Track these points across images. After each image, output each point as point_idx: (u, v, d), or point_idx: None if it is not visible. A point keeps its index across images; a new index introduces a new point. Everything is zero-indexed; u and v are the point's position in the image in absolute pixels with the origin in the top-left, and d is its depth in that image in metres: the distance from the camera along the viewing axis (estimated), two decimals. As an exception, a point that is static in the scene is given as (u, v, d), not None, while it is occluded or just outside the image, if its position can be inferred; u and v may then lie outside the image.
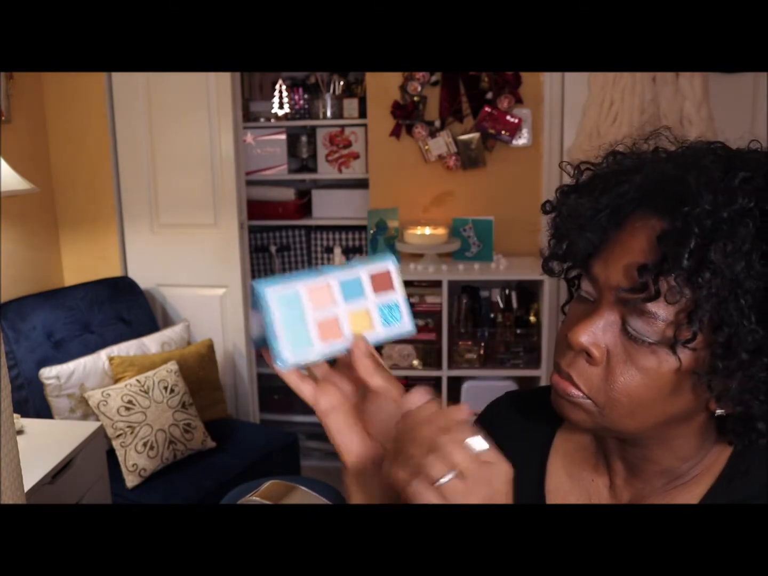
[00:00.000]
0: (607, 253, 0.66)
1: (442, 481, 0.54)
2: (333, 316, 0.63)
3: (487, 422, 0.86)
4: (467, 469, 0.54)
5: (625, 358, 0.64)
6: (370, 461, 0.63)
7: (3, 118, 2.58)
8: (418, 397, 0.61)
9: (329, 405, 0.64)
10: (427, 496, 0.54)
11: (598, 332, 0.65)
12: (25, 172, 2.41)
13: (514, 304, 2.94)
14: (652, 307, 0.61)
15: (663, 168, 0.66)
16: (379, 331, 0.65)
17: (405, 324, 0.66)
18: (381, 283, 0.65)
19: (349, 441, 0.64)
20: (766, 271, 0.58)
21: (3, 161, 2.25)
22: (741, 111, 2.80)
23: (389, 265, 0.66)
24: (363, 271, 0.65)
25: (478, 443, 0.56)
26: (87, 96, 2.94)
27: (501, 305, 2.96)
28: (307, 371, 0.66)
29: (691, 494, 0.70)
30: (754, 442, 0.65)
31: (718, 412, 0.65)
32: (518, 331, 2.89)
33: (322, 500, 0.59)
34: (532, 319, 2.91)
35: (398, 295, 0.66)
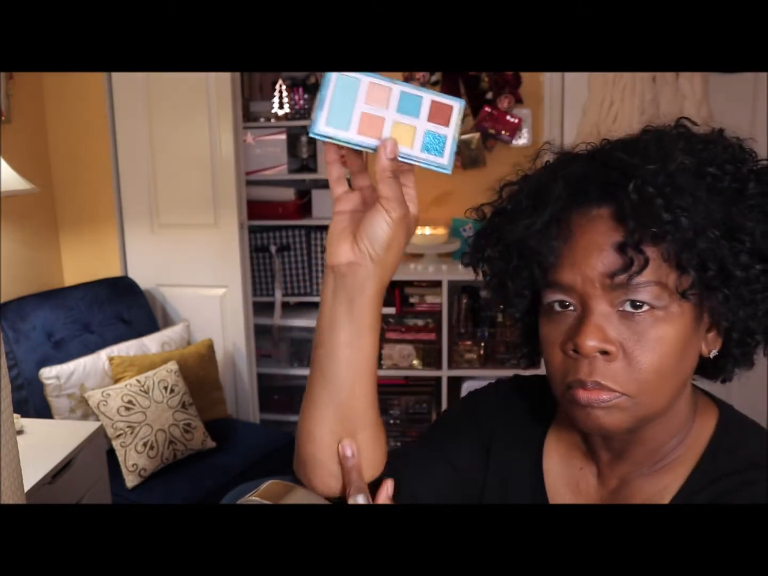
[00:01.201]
0: (569, 258, 0.68)
1: None
2: (380, 115, 0.65)
3: (489, 398, 0.89)
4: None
5: (636, 338, 0.66)
6: (347, 266, 0.69)
7: (3, 118, 2.57)
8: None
9: (345, 208, 0.71)
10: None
11: (601, 328, 0.66)
12: (25, 172, 2.41)
13: (514, 304, 2.94)
14: (647, 275, 0.64)
15: (578, 167, 0.70)
16: (416, 152, 0.66)
17: (443, 159, 0.67)
18: (439, 113, 0.66)
19: (339, 244, 0.69)
20: (721, 201, 0.64)
21: (3, 161, 2.25)
22: (741, 111, 2.80)
23: (455, 103, 0.67)
24: (428, 95, 0.66)
25: None
26: (87, 96, 2.93)
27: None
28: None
29: (676, 473, 0.71)
30: (751, 361, 0.70)
31: (712, 353, 0.69)
32: (518, 331, 2.89)
33: (322, 500, 0.59)
34: (532, 319, 2.91)
35: (450, 131, 0.67)
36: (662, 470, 0.72)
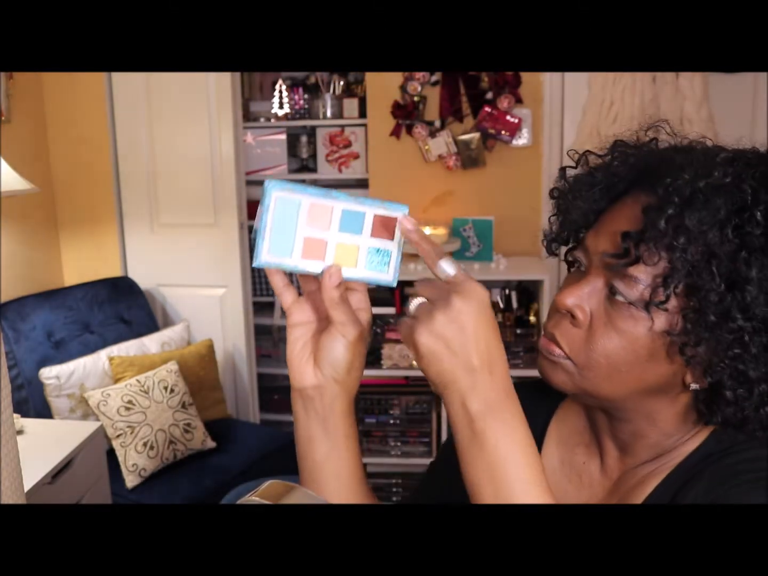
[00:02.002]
0: (599, 224, 0.71)
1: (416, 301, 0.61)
2: (322, 238, 0.64)
3: None
4: (456, 278, 0.61)
5: (606, 320, 0.68)
6: (313, 389, 0.69)
7: (3, 118, 2.58)
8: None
9: (299, 320, 0.69)
10: (432, 319, 0.59)
11: (583, 296, 0.69)
12: (25, 172, 2.41)
13: (514, 304, 2.94)
14: (633, 271, 0.65)
15: (656, 152, 0.72)
16: (360, 271, 0.65)
17: (388, 275, 0.66)
18: (383, 227, 0.66)
19: (301, 368, 0.69)
20: (737, 242, 0.62)
21: (3, 161, 2.25)
22: (741, 111, 2.80)
23: (399, 214, 0.66)
24: (371, 209, 0.65)
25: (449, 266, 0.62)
26: (87, 96, 2.94)
27: (501, 305, 2.96)
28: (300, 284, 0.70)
29: (678, 452, 0.73)
30: (724, 416, 0.67)
31: (692, 386, 0.69)
32: (518, 331, 2.89)
33: (322, 500, 0.59)
34: (532, 319, 2.91)
35: (395, 245, 0.66)
36: (664, 455, 0.74)
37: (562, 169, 0.77)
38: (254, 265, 0.63)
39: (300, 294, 0.70)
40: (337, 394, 0.70)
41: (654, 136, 0.74)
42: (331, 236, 0.64)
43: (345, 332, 0.67)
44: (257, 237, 0.62)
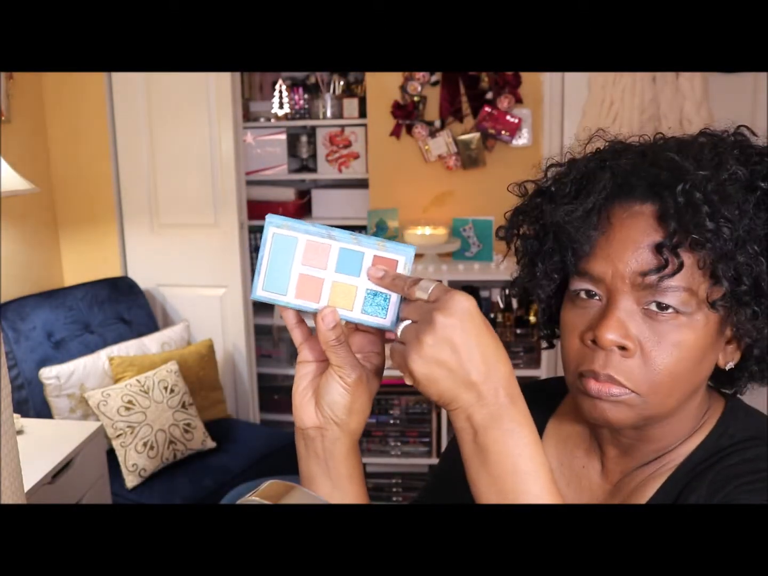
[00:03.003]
0: (604, 250, 0.67)
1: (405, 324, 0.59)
2: (319, 277, 0.63)
3: None
4: (435, 294, 0.59)
5: (656, 339, 0.66)
6: (314, 430, 0.68)
7: (3, 118, 2.57)
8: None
9: (308, 358, 0.68)
10: (421, 339, 0.57)
11: (622, 324, 0.66)
12: (25, 172, 2.41)
13: (514, 304, 2.94)
14: (678, 280, 0.64)
15: (628, 161, 0.69)
16: (356, 314, 0.64)
17: (386, 319, 0.64)
18: None
19: (303, 408, 0.68)
20: (763, 217, 0.63)
21: (3, 161, 2.25)
22: (741, 111, 2.79)
23: (401, 256, 0.63)
24: (371, 249, 0.63)
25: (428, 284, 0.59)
26: (87, 96, 2.94)
27: (501, 305, 2.96)
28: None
29: (678, 453, 0.72)
30: (752, 375, 0.70)
31: (728, 365, 0.69)
32: (518, 331, 2.89)
33: (322, 500, 0.59)
34: (532, 319, 2.91)
35: None
36: (663, 456, 0.73)
37: (513, 210, 0.75)
38: (251, 298, 0.64)
39: (312, 333, 0.68)
40: (338, 436, 0.68)
41: (597, 148, 0.73)
42: (327, 276, 0.63)
43: (342, 374, 0.65)
44: (256, 271, 0.63)
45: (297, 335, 0.68)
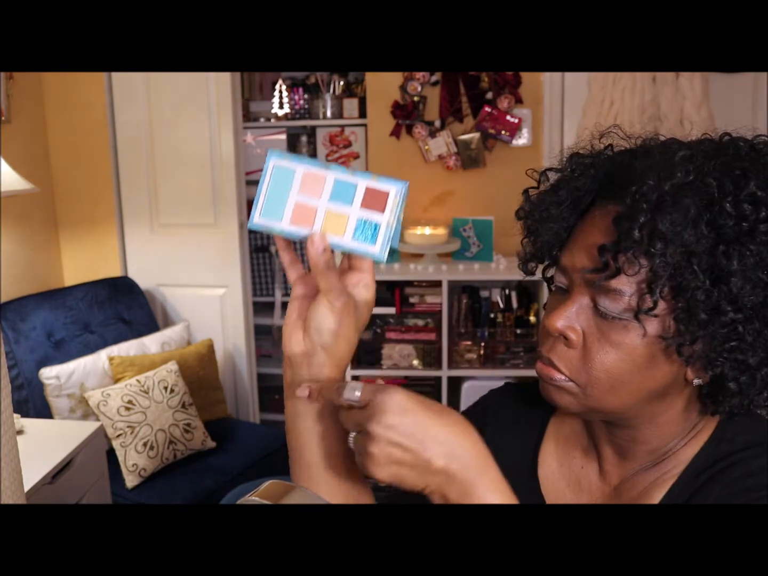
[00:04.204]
0: (572, 242, 0.71)
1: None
2: (313, 205, 0.65)
3: (481, 408, 0.91)
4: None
5: (599, 336, 0.68)
6: (301, 356, 0.69)
7: (3, 118, 2.57)
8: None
9: (300, 293, 0.70)
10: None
11: (572, 316, 0.69)
12: (25, 172, 2.41)
13: (514, 304, 2.94)
14: (616, 283, 0.65)
15: (615, 159, 0.72)
16: (346, 241, 0.66)
17: (374, 247, 0.65)
18: (374, 200, 0.65)
19: (291, 335, 0.69)
20: (713, 236, 0.62)
21: (3, 161, 2.25)
22: (741, 111, 2.80)
23: (392, 188, 0.65)
24: (364, 181, 0.65)
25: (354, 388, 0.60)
26: (87, 96, 2.94)
27: (501, 305, 2.96)
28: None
29: (678, 460, 0.73)
30: (731, 406, 0.68)
31: (695, 381, 0.69)
32: (518, 331, 2.89)
33: (322, 500, 0.59)
34: (532, 319, 2.91)
35: (384, 219, 0.65)
36: (664, 462, 0.74)
37: (526, 191, 0.78)
38: (248, 227, 0.66)
39: (307, 271, 0.70)
40: (324, 362, 0.69)
41: (609, 143, 0.74)
42: (321, 204, 0.65)
43: (330, 299, 0.66)
44: (255, 198, 0.65)
45: (291, 272, 0.70)
